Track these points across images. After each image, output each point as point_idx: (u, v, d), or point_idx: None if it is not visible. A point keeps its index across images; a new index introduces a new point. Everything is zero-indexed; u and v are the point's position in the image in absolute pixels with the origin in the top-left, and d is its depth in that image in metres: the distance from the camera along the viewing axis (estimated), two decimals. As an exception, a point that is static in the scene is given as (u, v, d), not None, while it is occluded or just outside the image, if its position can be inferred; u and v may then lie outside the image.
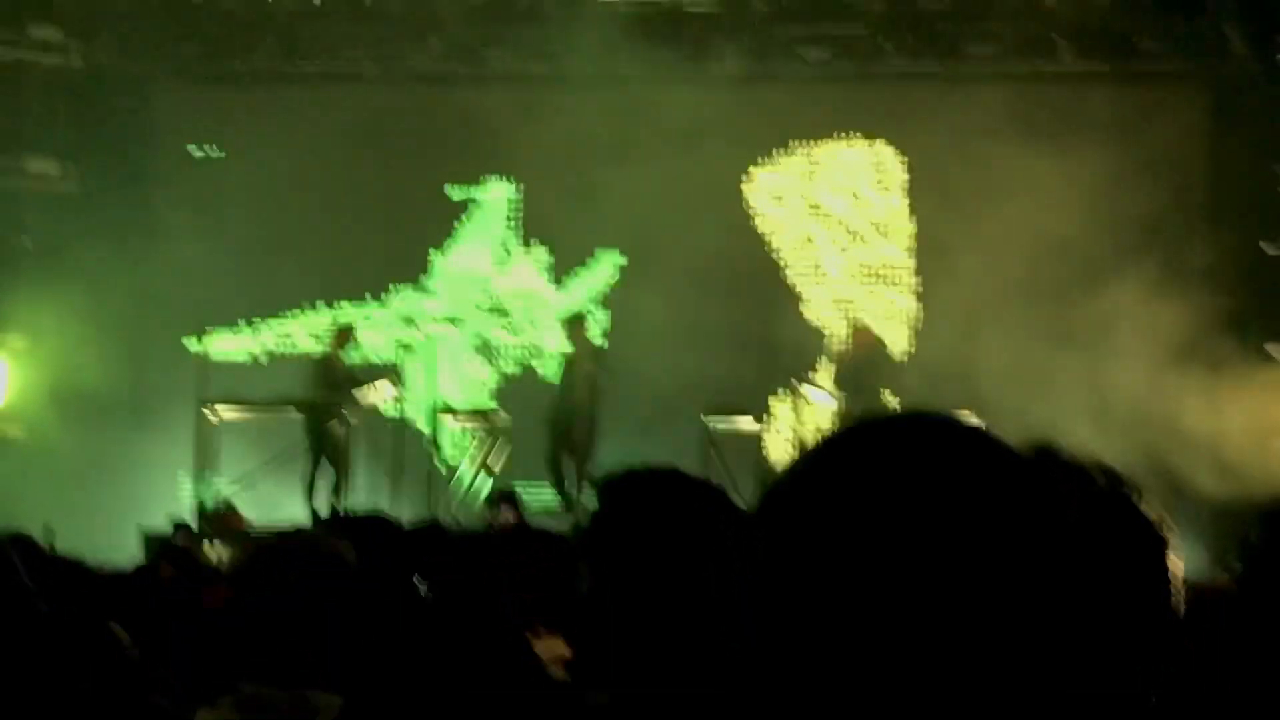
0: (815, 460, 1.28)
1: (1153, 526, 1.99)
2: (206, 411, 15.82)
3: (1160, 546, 1.99)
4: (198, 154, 18.82)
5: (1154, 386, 16.10)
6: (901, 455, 1.25)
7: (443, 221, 18.87)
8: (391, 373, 16.58)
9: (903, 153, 18.51)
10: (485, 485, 15.70)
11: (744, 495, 6.34)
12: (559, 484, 16.19)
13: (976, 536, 1.21)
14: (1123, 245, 17.25)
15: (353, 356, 16.28)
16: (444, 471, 16.02)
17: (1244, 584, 3.11)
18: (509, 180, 18.76)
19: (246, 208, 18.15)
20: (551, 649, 4.09)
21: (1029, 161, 17.29)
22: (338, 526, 5.48)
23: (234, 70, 18.99)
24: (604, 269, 18.30)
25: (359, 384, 15.97)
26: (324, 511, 15.46)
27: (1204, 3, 17.95)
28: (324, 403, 15.74)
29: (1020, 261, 17.02)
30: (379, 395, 16.09)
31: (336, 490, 15.70)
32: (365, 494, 15.67)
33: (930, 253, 18.00)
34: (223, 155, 18.72)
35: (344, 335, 16.37)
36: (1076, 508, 1.38)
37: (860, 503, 1.22)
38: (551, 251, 18.67)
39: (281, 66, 19.00)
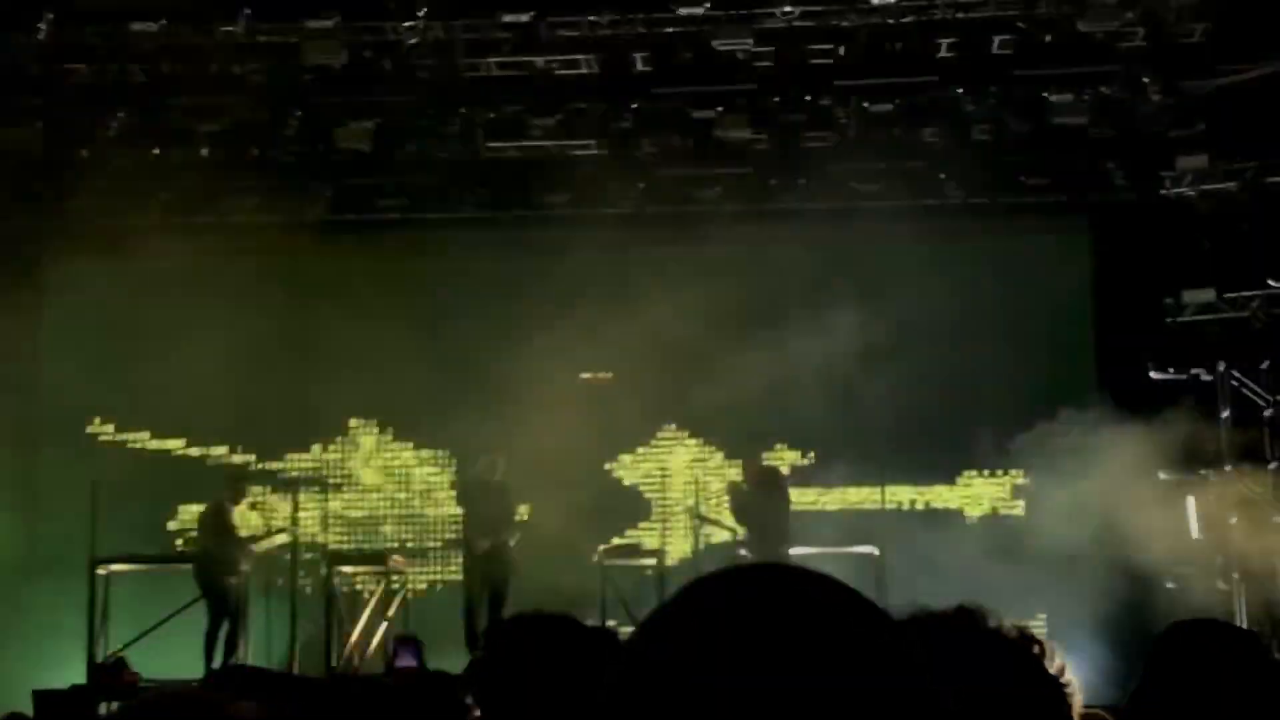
0: (667, 609, 1.25)
1: (1056, 683, 2.15)
2: (100, 570, 15.59)
3: (1063, 704, 2.14)
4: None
5: (1044, 514, 16.22)
6: (749, 618, 1.21)
7: (352, 371, 18.79)
8: (287, 522, 16.40)
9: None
10: (383, 632, 15.53)
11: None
12: (469, 630, 16.14)
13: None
14: (1009, 373, 17.53)
15: (245, 506, 16.12)
16: (342, 618, 15.85)
17: (1133, 705, 3.23)
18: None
19: (142, 356, 18.01)
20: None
21: (917, 293, 17.59)
22: (232, 680, 5.39)
23: (126, 226, 18.92)
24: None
25: (252, 533, 15.83)
26: (219, 664, 15.26)
27: (1084, 139, 18.34)
28: (216, 554, 15.58)
29: (909, 395, 17.23)
30: (273, 544, 15.93)
31: (232, 643, 15.49)
32: (262, 644, 15.45)
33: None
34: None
35: (238, 485, 16.23)
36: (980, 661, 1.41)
37: (703, 663, 1.19)
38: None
39: (174, 220, 18.97)
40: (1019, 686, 2.11)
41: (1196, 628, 3.28)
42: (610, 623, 13.58)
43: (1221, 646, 3.19)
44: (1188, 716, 3.08)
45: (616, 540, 17.59)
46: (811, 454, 18.38)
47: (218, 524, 15.75)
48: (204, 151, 18.94)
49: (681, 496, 17.74)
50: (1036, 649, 2.18)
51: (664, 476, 17.83)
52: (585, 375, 18.40)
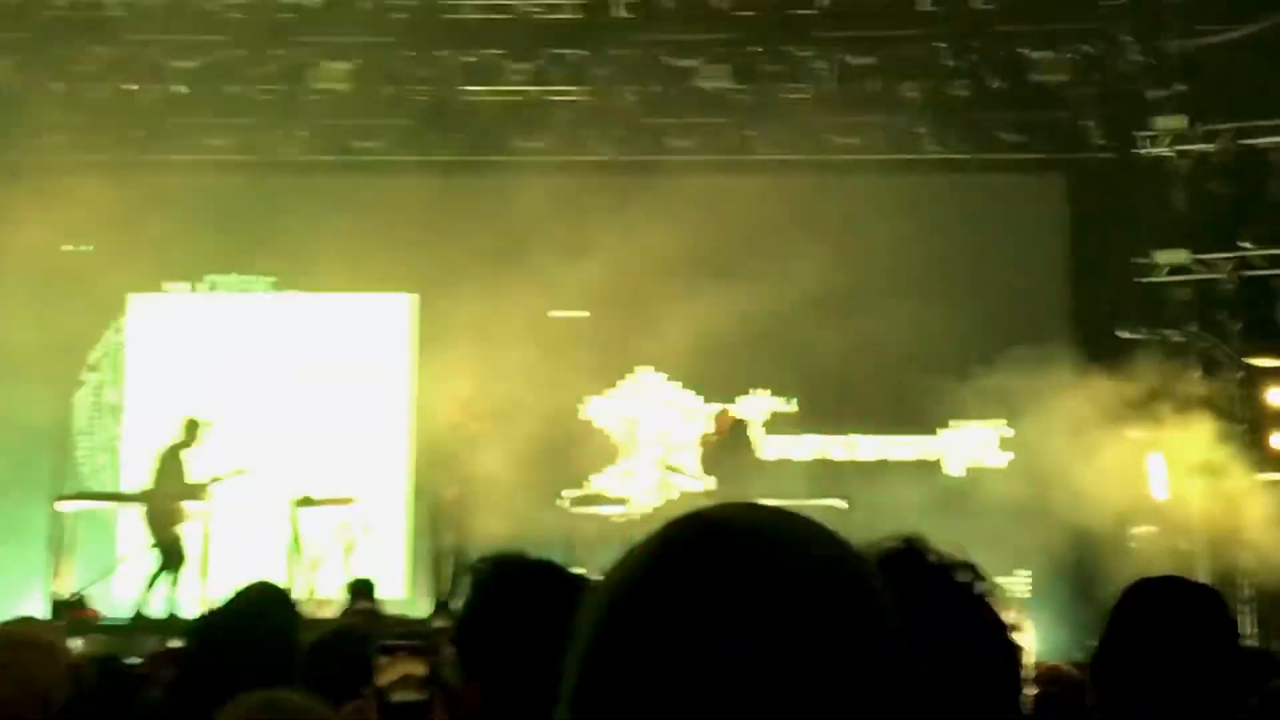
0: (638, 564, 1.20)
1: (1000, 623, 2.17)
2: (60, 505, 15.55)
3: (1009, 643, 2.17)
4: (66, 249, 18.40)
5: (1015, 469, 16.26)
6: (726, 561, 1.17)
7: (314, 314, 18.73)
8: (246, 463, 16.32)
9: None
10: (343, 574, 15.51)
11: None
12: (436, 574, 16.19)
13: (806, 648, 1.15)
14: (983, 328, 17.55)
15: (203, 448, 16.02)
16: (302, 561, 15.81)
17: (1096, 664, 3.23)
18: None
19: (113, 291, 17.91)
20: (403, 668, 4.07)
21: (893, 247, 17.60)
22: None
23: (100, 160, 18.79)
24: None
25: (211, 474, 15.77)
26: (162, 603, 15.36)
27: (1062, 96, 18.34)
28: (168, 497, 15.54)
29: (883, 349, 17.23)
30: (232, 483, 15.86)
31: (174, 582, 15.55)
32: (223, 583, 15.42)
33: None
34: (90, 249, 18.36)
35: (193, 428, 16.09)
36: (928, 604, 1.41)
37: (682, 608, 1.15)
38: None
39: (148, 155, 18.85)
40: (961, 625, 2.10)
41: (1158, 585, 3.28)
42: (576, 571, 13.56)
43: (1182, 604, 3.21)
44: (1148, 674, 3.10)
45: (583, 486, 17.60)
46: (793, 399, 18.43)
47: (172, 466, 15.67)
48: (180, 89, 18.82)
49: (651, 442, 17.72)
50: (980, 587, 2.16)
51: (634, 421, 17.80)
52: (556, 313, 18.37)
